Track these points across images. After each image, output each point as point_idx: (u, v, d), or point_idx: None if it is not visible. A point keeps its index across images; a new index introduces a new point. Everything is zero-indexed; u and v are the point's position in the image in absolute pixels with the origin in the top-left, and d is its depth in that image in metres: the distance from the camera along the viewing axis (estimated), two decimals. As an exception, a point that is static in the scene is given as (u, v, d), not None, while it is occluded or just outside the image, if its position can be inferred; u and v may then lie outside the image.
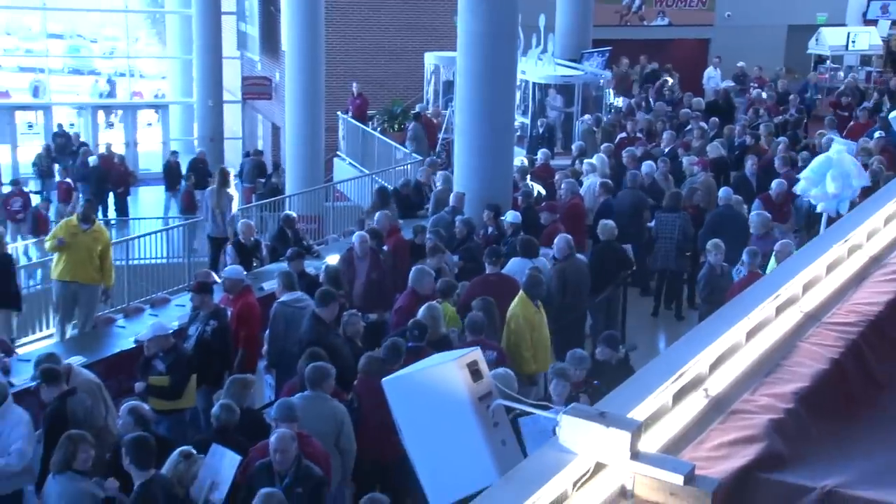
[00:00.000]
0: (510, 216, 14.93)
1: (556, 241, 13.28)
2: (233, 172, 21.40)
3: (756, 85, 27.50)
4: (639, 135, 21.31)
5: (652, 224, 15.48)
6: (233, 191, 19.40)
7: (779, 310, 5.14)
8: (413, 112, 25.88)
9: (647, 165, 17.25)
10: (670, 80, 27.81)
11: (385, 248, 14.20)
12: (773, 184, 15.83)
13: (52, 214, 25.80)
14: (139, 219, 28.34)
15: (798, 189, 13.54)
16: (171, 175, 29.62)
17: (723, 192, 15.44)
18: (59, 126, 33.42)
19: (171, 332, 11.49)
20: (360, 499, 9.62)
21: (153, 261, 20.79)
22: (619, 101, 25.96)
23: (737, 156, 19.16)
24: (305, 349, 10.08)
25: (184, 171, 29.08)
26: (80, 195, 25.03)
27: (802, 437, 4.16)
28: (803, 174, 13.70)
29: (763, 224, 13.52)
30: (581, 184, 17.31)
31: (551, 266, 13.33)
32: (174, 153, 31.49)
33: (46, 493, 8.81)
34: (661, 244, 15.09)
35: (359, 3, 30.83)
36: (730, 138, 20.34)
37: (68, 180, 28.02)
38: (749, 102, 25.79)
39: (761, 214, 13.72)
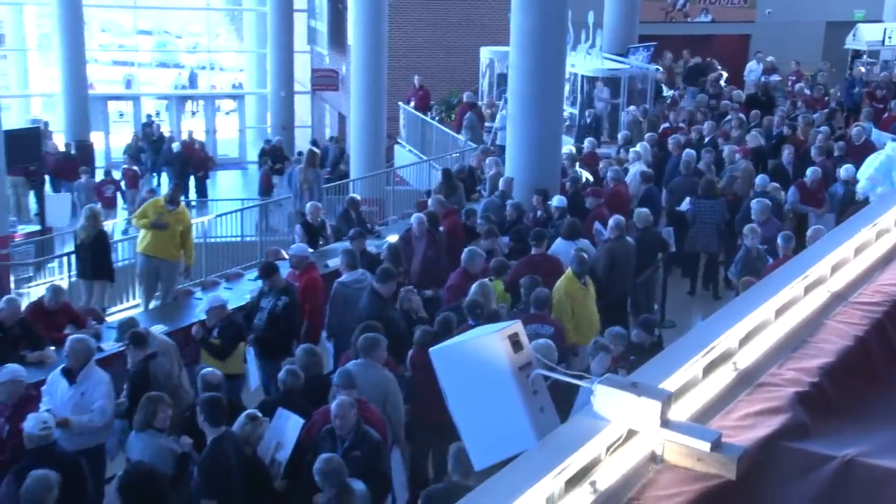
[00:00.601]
0: (557, 200, 14.92)
1: (609, 221, 13.26)
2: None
3: (795, 79, 27.14)
4: (681, 124, 21.14)
5: (688, 208, 15.32)
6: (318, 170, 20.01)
7: (807, 289, 5.08)
8: (468, 102, 25.84)
9: (686, 154, 17.05)
10: (725, 74, 27.58)
11: (441, 228, 14.24)
12: (809, 171, 15.69)
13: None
14: (217, 200, 28.54)
15: (860, 189, 13.40)
16: (277, 159, 29.64)
17: (759, 179, 15.32)
18: (148, 116, 33.97)
19: (226, 304, 11.85)
20: (415, 459, 9.73)
21: (229, 238, 21.03)
22: (670, 93, 25.79)
23: (774, 145, 18.92)
24: (362, 327, 10.07)
25: (257, 157, 29.45)
26: (152, 179, 25.47)
27: (825, 410, 4.11)
28: (864, 174, 13.57)
29: (763, 211, 13.37)
30: (626, 171, 17.21)
31: (601, 244, 13.30)
32: (268, 140, 31.75)
33: (129, 448, 8.99)
34: (700, 228, 14.93)
35: (419, 1, 30.84)
36: (768, 129, 20.09)
37: (135, 168, 28.25)
38: (789, 95, 25.47)
39: (761, 202, 13.53)
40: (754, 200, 13.96)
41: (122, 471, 8.21)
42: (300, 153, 26.68)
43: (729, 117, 21.20)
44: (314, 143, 31.06)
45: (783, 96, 25.27)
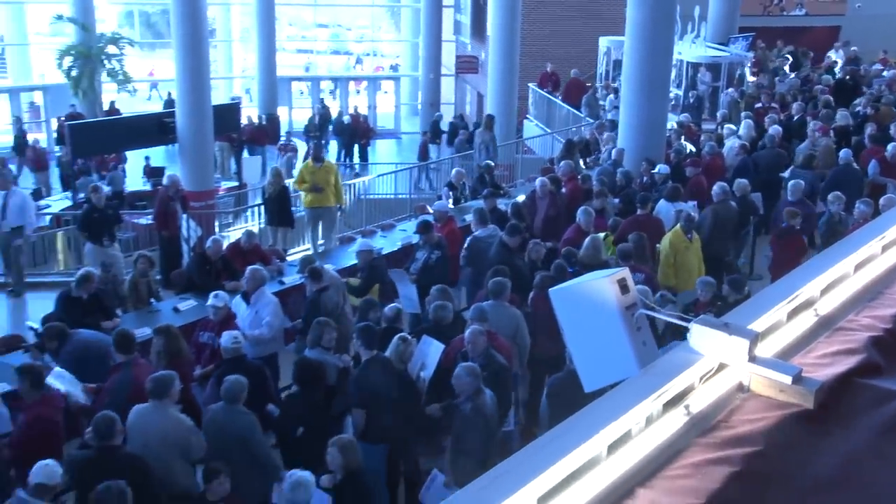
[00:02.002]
0: (661, 168, 14.72)
1: (714, 187, 13.05)
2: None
3: (882, 67, 26.02)
4: (773, 105, 20.53)
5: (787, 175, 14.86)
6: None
7: (884, 248, 4.88)
8: (574, 78, 26.32)
9: (773, 129, 16.56)
10: (836, 60, 26.84)
11: (563, 190, 14.14)
12: (889, 147, 15.05)
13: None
14: (375, 163, 28.88)
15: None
16: (434, 132, 29.79)
17: (843, 153, 14.70)
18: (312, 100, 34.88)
19: (372, 248, 11.92)
20: (534, 384, 9.72)
21: (384, 195, 21.32)
22: (755, 79, 25.05)
23: (857, 123, 18.18)
24: (494, 271, 10.12)
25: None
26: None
27: (897, 352, 3.94)
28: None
29: (798, 190, 12.73)
30: (723, 145, 16.83)
31: (707, 206, 13.07)
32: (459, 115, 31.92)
33: (301, 360, 9.04)
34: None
35: (548, -2, 30.89)
36: (853, 110, 19.32)
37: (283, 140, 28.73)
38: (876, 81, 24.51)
39: (797, 182, 12.87)
40: (791, 182, 13.40)
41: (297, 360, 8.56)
42: (476, 123, 26.81)
43: (817, 98, 20.49)
44: (460, 117, 31.14)
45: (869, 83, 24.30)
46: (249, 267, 10.53)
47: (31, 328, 10.76)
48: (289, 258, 14.07)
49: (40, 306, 12.48)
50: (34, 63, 32.04)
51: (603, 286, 3.91)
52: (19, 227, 14.86)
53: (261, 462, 7.65)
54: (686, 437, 3.25)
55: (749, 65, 25.15)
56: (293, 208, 15.77)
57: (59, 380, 8.52)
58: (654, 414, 3.26)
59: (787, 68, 26.07)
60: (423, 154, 28.09)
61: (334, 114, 31.84)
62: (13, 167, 23.19)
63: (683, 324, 3.68)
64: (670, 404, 3.33)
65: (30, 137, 28.27)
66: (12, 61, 32.41)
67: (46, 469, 6.49)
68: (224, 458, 7.28)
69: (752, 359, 3.51)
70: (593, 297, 3.93)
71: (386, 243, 14.02)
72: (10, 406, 8.43)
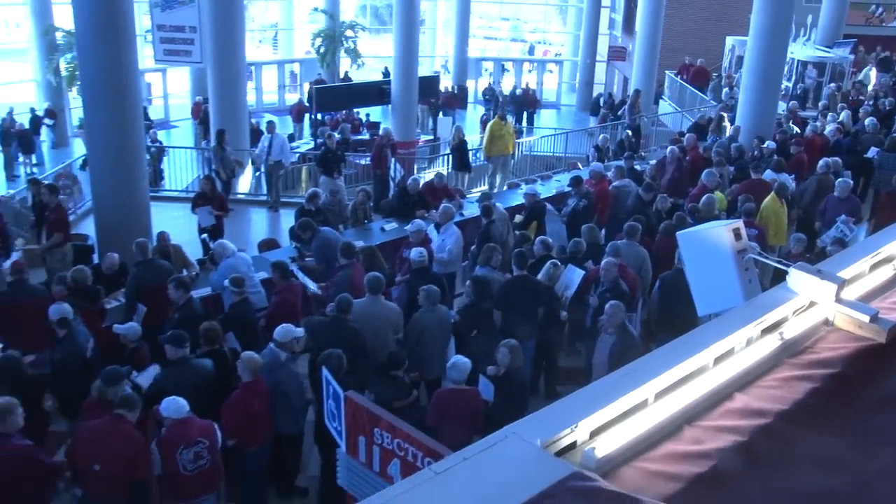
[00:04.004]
0: (769, 144, 13.98)
1: (819, 161, 12.38)
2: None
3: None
4: (860, 98, 19.35)
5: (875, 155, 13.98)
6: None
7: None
8: (688, 63, 25.64)
9: (869, 120, 15.44)
10: None
11: (688, 157, 13.65)
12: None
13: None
14: (540, 127, 28.48)
15: None
16: (595, 105, 28.71)
17: (923, 140, 13.63)
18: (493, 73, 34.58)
19: (536, 193, 11.64)
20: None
21: (545, 153, 21.10)
22: (862, 77, 23.42)
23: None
24: (630, 216, 9.92)
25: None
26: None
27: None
28: None
29: (846, 188, 11.32)
30: (823, 128, 15.84)
31: (812, 176, 12.39)
32: (608, 94, 31.03)
33: (474, 276, 9.11)
34: (882, 173, 13.46)
35: (688, 1, 29.44)
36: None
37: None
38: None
39: (846, 181, 11.51)
40: (840, 180, 12.04)
41: (472, 277, 8.47)
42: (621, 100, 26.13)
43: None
44: (608, 95, 30.29)
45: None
46: (443, 205, 10.49)
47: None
48: (469, 195, 14.13)
49: (289, 218, 13.04)
50: (296, 43, 33.01)
51: (721, 233, 3.80)
52: (279, 161, 15.49)
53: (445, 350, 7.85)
54: (778, 357, 3.14)
55: (849, 66, 23.58)
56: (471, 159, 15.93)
57: (300, 273, 8.95)
58: (753, 337, 3.16)
59: (873, 72, 24.19)
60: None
61: (508, 89, 31.55)
62: (275, 118, 24.13)
63: (784, 268, 3.53)
64: (767, 330, 3.23)
65: (288, 97, 29.32)
66: (281, 42, 33.52)
67: (286, 329, 6.89)
68: (418, 346, 7.51)
69: (838, 300, 3.35)
70: (713, 241, 3.82)
71: (543, 190, 13.86)
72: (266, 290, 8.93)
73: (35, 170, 20.60)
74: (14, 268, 8.38)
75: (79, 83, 13.47)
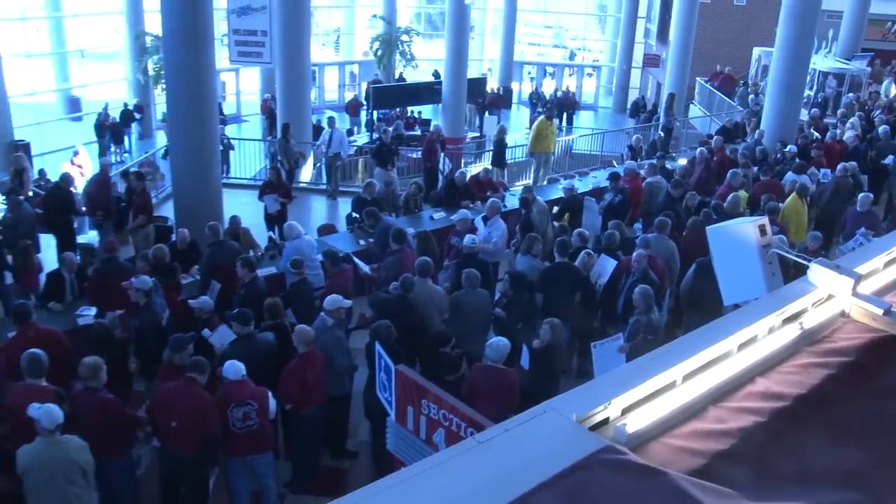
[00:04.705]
0: (791, 148, 13.71)
1: (838, 165, 12.05)
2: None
3: None
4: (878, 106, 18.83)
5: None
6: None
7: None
8: (718, 72, 25.11)
9: (883, 128, 15.06)
10: None
11: (715, 158, 13.39)
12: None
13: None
14: (578, 127, 28.17)
15: None
16: (635, 108, 28.45)
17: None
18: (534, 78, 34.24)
19: (574, 188, 11.61)
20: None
21: (583, 151, 20.88)
22: (883, 89, 22.76)
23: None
24: (661, 212, 9.78)
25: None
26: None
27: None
28: None
29: (867, 202, 10.54)
30: (842, 135, 15.42)
31: (832, 178, 12.03)
32: (640, 97, 30.69)
33: (517, 262, 9.03)
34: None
35: (717, 15, 28.66)
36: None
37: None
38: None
39: (867, 195, 10.69)
40: (861, 195, 11.51)
41: (508, 271, 8.48)
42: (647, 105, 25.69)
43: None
44: (642, 98, 29.90)
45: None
46: (490, 199, 10.40)
47: (354, 216, 11.18)
48: (511, 189, 14.04)
49: (346, 206, 13.12)
50: (356, 46, 33.10)
51: (748, 228, 3.74)
52: (337, 153, 15.59)
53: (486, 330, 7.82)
54: (797, 345, 3.09)
55: (866, 77, 22.96)
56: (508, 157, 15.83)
57: (355, 257, 9.02)
58: (775, 326, 3.11)
59: (893, 86, 23.43)
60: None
61: (549, 91, 31.27)
62: (335, 114, 24.28)
63: (805, 263, 3.46)
64: (788, 320, 3.17)
65: (346, 95, 29.45)
66: (343, 45, 33.65)
67: (334, 299, 7.05)
68: (460, 323, 7.53)
69: (855, 293, 3.29)
70: (740, 236, 3.77)
71: (580, 185, 13.73)
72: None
73: (126, 157, 21.15)
74: (107, 246, 8.61)
75: (163, 82, 13.73)
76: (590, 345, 7.02)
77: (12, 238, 9.56)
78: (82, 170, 16.21)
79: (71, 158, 16.19)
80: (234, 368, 6.00)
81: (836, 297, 3.33)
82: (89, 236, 11.57)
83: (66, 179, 11.27)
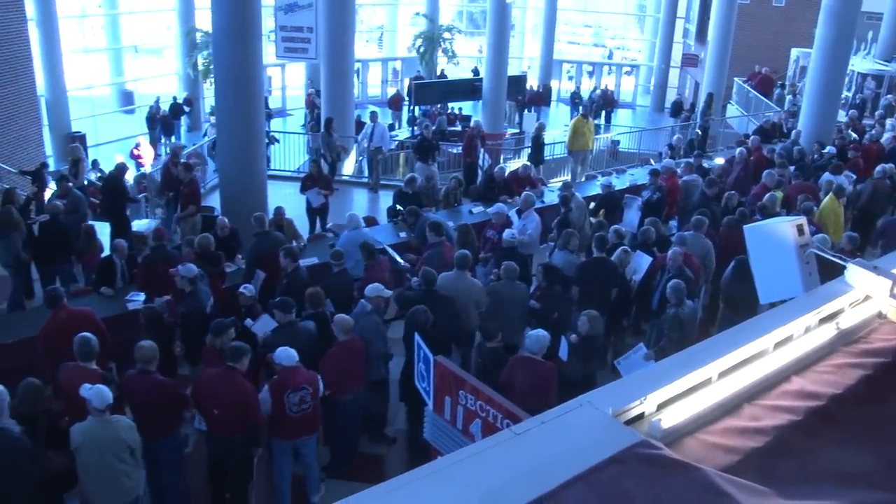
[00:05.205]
0: (828, 149, 13.45)
1: (877, 167, 11.76)
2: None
3: None
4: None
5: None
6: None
7: None
8: (755, 73, 24.74)
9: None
10: None
11: (752, 158, 13.15)
12: None
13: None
14: (617, 125, 27.85)
15: None
16: (676, 107, 28.16)
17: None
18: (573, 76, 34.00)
19: (611, 185, 11.47)
20: (714, 293, 9.23)
21: (623, 149, 20.71)
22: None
23: None
24: (697, 210, 9.67)
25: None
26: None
27: None
28: None
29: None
30: (880, 136, 15.12)
31: (870, 179, 11.74)
32: (679, 96, 30.24)
33: (553, 257, 8.95)
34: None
35: (756, 16, 28.14)
36: None
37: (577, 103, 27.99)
38: None
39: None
40: None
41: (541, 264, 8.43)
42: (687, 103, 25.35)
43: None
44: (680, 97, 29.46)
45: None
46: (525, 192, 10.39)
47: (396, 208, 11.19)
48: (548, 185, 13.97)
49: (387, 199, 13.17)
50: (399, 43, 33.19)
51: (786, 228, 3.67)
52: (379, 147, 15.67)
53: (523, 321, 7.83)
54: (833, 345, 3.04)
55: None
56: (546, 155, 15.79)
57: (391, 251, 9.06)
58: (811, 325, 3.07)
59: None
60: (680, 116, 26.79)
61: (587, 90, 30.99)
62: (378, 109, 24.40)
63: (843, 263, 3.39)
64: (825, 320, 3.13)
65: (389, 90, 29.58)
66: (386, 41, 33.76)
67: (375, 287, 7.15)
68: (498, 315, 7.54)
69: (892, 294, 3.22)
70: (778, 235, 3.71)
71: (618, 182, 13.58)
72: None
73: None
74: (156, 235, 8.78)
75: (212, 76, 13.92)
76: (614, 362, 7.00)
77: (74, 221, 9.80)
78: (142, 160, 16.58)
79: (131, 150, 16.61)
80: (287, 355, 6.09)
81: (873, 298, 3.27)
82: (144, 223, 11.81)
83: (121, 169, 11.51)
